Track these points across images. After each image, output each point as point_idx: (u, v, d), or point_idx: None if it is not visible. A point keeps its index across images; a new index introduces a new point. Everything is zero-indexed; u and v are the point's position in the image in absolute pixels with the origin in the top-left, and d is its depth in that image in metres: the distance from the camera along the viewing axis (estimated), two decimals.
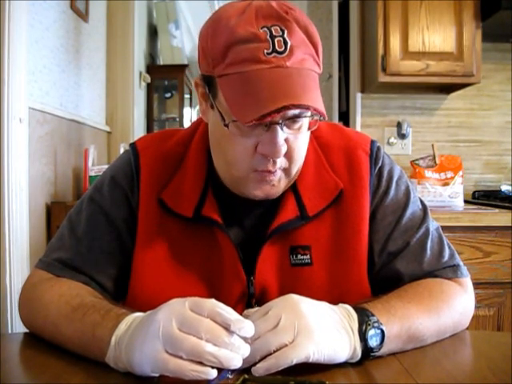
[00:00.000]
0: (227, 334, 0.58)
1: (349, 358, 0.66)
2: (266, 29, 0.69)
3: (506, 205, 1.93)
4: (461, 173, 2.07)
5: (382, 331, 0.67)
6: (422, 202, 0.90)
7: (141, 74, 3.60)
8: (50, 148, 2.18)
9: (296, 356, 0.61)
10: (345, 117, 2.92)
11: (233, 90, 0.70)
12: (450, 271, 0.84)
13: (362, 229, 0.83)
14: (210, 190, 0.83)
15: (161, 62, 4.57)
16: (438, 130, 2.46)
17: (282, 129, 0.72)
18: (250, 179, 0.77)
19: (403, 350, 0.72)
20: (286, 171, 0.78)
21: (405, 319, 0.72)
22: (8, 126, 1.74)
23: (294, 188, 0.83)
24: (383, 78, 2.14)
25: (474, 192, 2.37)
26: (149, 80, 3.80)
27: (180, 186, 0.84)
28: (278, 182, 0.78)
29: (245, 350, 0.59)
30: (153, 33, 4.46)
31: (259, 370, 0.61)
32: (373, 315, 0.68)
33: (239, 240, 0.82)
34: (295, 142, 0.75)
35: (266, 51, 0.68)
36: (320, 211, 0.82)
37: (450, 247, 0.87)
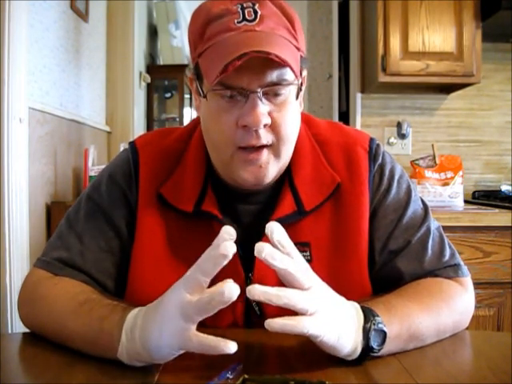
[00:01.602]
0: (209, 258, 0.59)
1: (348, 354, 0.66)
2: (238, 4, 0.74)
3: (506, 205, 1.93)
4: (461, 173, 2.07)
5: (384, 332, 0.67)
6: (423, 201, 0.90)
7: (141, 74, 3.59)
8: (50, 148, 2.18)
9: (313, 329, 0.61)
10: (345, 117, 2.93)
11: (207, 61, 0.73)
12: (450, 270, 0.84)
13: (361, 225, 0.83)
14: (209, 185, 0.84)
15: (161, 62, 4.57)
16: (437, 129, 2.46)
17: (260, 99, 0.73)
18: (236, 160, 0.77)
19: (403, 351, 0.72)
20: (274, 150, 0.77)
21: (405, 318, 0.72)
22: (8, 126, 1.74)
23: (291, 184, 0.83)
24: (383, 78, 2.14)
25: (474, 192, 2.37)
26: (149, 80, 3.80)
27: (180, 181, 0.84)
28: (267, 164, 0.77)
29: (226, 248, 0.59)
30: (153, 33, 4.45)
31: (275, 325, 0.60)
32: (378, 315, 0.68)
33: (237, 236, 0.82)
34: (280, 117, 0.75)
35: (236, 20, 0.73)
36: (317, 206, 0.82)
37: (450, 247, 0.87)
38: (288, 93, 0.76)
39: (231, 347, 0.58)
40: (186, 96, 4.64)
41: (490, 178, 2.46)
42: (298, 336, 0.77)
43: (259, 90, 0.72)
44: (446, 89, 2.39)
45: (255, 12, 0.73)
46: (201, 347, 0.59)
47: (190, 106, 5.24)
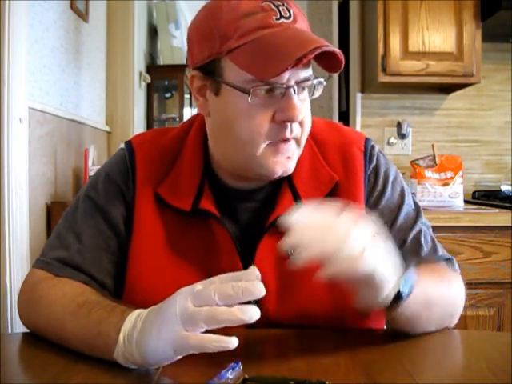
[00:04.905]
0: (232, 285, 0.58)
1: (385, 296, 0.67)
2: (267, 2, 0.74)
3: (506, 205, 1.93)
4: (461, 173, 2.07)
5: (412, 284, 0.69)
6: (415, 201, 0.92)
7: (141, 74, 3.59)
8: (50, 148, 2.18)
9: (365, 268, 0.63)
10: (345, 117, 2.93)
11: (250, 57, 0.72)
12: (446, 263, 0.87)
13: None
14: (206, 183, 0.84)
15: (161, 62, 4.57)
16: (437, 129, 2.46)
17: (296, 94, 0.74)
18: (266, 154, 0.77)
19: (414, 315, 0.73)
20: (298, 142, 0.79)
21: (421, 284, 0.73)
22: (8, 125, 1.74)
23: (289, 182, 0.84)
24: (383, 78, 2.13)
25: (474, 192, 2.37)
26: (149, 80, 3.80)
27: (177, 179, 0.85)
28: (293, 154, 0.79)
29: (256, 289, 0.58)
30: (153, 33, 4.45)
31: (327, 271, 0.61)
32: (412, 268, 0.70)
33: (236, 234, 0.83)
34: (304, 109, 0.78)
35: (274, 17, 0.73)
36: None
37: (437, 243, 0.90)
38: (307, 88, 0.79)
39: (233, 342, 0.58)
40: (186, 96, 4.64)
41: (489, 178, 2.46)
42: (297, 335, 0.77)
43: (295, 85, 0.74)
44: (446, 89, 2.39)
45: (288, 10, 0.75)
46: (201, 345, 0.59)
47: (190, 105, 5.24)
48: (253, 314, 0.58)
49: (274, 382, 0.61)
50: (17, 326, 1.75)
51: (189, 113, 5.01)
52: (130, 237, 0.84)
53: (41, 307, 0.77)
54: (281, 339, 0.76)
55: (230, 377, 0.61)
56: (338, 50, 0.73)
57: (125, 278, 0.83)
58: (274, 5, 0.74)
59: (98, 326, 0.67)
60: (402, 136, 2.44)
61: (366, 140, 0.90)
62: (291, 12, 0.75)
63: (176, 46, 4.61)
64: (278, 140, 0.76)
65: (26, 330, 0.81)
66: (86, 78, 2.70)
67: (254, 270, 0.61)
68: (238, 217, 0.85)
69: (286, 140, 0.77)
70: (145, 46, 4.05)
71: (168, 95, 4.69)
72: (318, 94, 0.80)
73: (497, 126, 2.46)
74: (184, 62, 4.73)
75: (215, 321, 0.58)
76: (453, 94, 2.43)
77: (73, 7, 2.45)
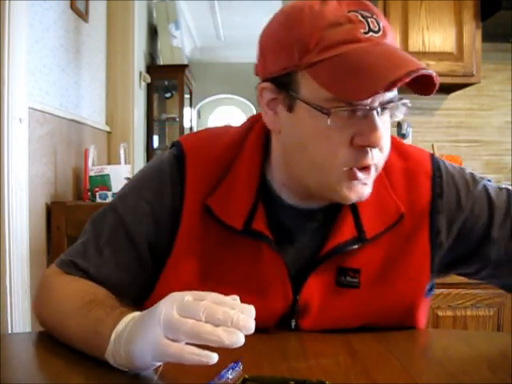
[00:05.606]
0: (224, 311, 0.55)
1: None
2: (354, 12, 0.67)
3: None
4: None
5: None
6: (499, 189, 0.89)
7: (141, 74, 3.59)
8: (50, 148, 2.18)
9: None
10: None
11: (334, 75, 0.66)
12: None
13: (414, 256, 0.79)
14: (261, 201, 0.78)
15: (161, 62, 4.57)
16: (437, 129, 2.46)
17: (378, 114, 0.68)
18: (341, 180, 0.70)
19: None
20: (376, 167, 0.72)
21: None
22: (8, 126, 1.74)
23: (353, 206, 0.77)
24: None
25: None
26: (149, 80, 3.80)
27: (229, 192, 0.78)
28: (371, 181, 0.73)
29: (247, 325, 0.56)
30: (153, 33, 4.45)
31: None
32: None
33: (288, 258, 0.78)
34: (386, 134, 0.71)
35: (362, 30, 0.67)
36: (377, 234, 0.77)
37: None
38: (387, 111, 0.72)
39: (214, 358, 0.55)
40: (186, 96, 4.64)
41: (489, 178, 2.45)
42: (297, 336, 0.77)
43: (378, 106, 0.68)
44: (446, 89, 2.40)
45: (378, 23, 0.68)
46: (179, 355, 0.56)
47: (190, 105, 5.25)
48: (237, 339, 0.54)
49: (274, 382, 0.60)
50: (17, 326, 1.75)
51: (189, 113, 5.00)
52: (155, 258, 0.80)
53: (52, 303, 0.77)
54: (281, 339, 0.76)
55: (230, 377, 0.61)
56: (434, 73, 0.67)
57: (143, 295, 0.81)
58: (362, 16, 0.67)
59: (96, 325, 0.67)
60: (402, 136, 2.44)
61: (432, 162, 0.83)
62: (381, 25, 0.68)
63: (176, 46, 4.62)
64: (356, 166, 0.69)
65: (25, 331, 0.81)
66: (86, 78, 2.70)
67: (251, 310, 0.57)
68: (295, 238, 0.80)
69: (366, 167, 0.70)
70: (145, 46, 4.05)
71: (168, 95, 4.69)
72: (400, 115, 0.72)
73: (497, 125, 2.47)
74: (184, 61, 4.73)
75: (197, 338, 0.55)
76: (453, 94, 2.43)
77: (73, 7, 2.45)
